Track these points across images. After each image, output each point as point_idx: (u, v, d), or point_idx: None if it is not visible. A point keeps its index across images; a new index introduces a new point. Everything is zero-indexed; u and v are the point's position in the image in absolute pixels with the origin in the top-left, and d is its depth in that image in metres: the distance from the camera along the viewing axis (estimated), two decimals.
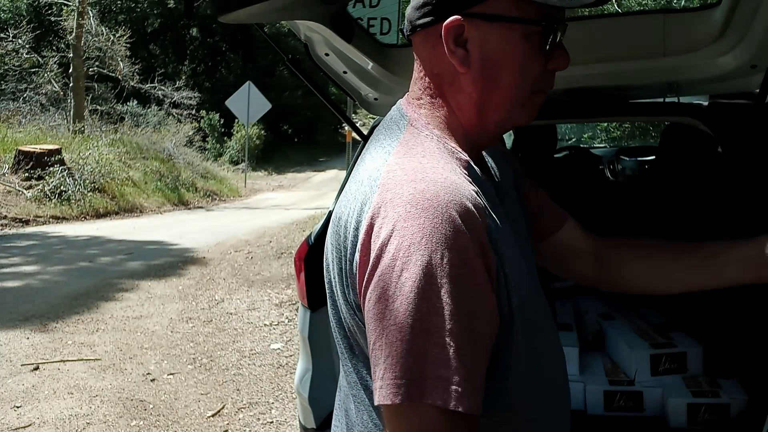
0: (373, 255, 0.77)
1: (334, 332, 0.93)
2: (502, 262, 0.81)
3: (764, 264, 0.99)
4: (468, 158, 0.87)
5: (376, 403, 0.76)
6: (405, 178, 0.80)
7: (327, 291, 0.93)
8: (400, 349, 0.73)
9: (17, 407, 3.61)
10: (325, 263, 0.93)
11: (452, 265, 0.74)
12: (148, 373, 4.16)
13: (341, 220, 0.87)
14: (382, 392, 0.74)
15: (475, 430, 0.75)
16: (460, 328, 0.73)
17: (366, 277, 0.78)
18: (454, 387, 0.72)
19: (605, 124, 10.59)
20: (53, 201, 11.02)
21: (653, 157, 3.76)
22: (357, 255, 0.80)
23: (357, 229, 0.81)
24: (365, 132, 2.49)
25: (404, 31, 0.93)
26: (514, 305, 0.82)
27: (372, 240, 0.78)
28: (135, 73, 19.42)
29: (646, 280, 1.12)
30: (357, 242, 0.81)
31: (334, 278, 0.89)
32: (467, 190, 0.79)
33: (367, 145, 0.94)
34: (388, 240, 0.76)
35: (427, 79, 0.91)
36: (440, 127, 0.89)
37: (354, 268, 0.81)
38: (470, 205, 0.77)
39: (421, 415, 0.73)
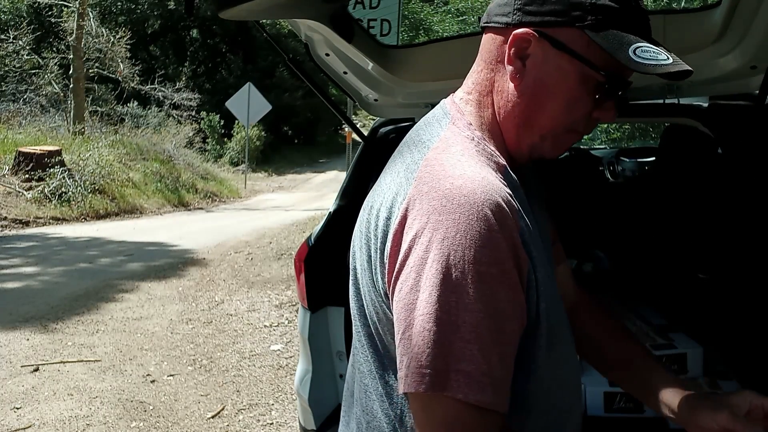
0: (405, 246, 0.79)
1: (354, 320, 0.93)
2: (534, 265, 0.82)
3: (684, 420, 0.96)
4: (505, 163, 0.87)
5: (400, 392, 0.77)
6: (443, 173, 0.80)
7: (350, 278, 0.94)
8: (426, 340, 0.74)
9: (17, 408, 3.61)
10: (351, 251, 0.95)
11: (483, 262, 0.75)
12: (148, 375, 4.16)
13: (373, 209, 0.88)
14: (407, 381, 0.76)
15: (500, 426, 0.76)
16: (487, 325, 0.75)
17: (397, 266, 0.79)
18: (476, 381, 0.73)
19: (605, 125, 10.59)
20: (53, 202, 11.02)
21: (653, 159, 3.76)
22: (388, 244, 0.81)
23: (389, 218, 0.83)
24: (365, 133, 2.49)
25: (480, 20, 0.94)
26: (541, 309, 0.83)
27: (405, 231, 0.79)
28: (135, 75, 19.41)
29: (587, 358, 1.14)
30: (389, 231, 0.82)
31: (361, 266, 0.90)
32: (503, 191, 0.80)
33: (404, 140, 0.95)
34: (422, 232, 0.77)
35: (483, 74, 0.91)
36: (482, 128, 0.90)
37: (385, 257, 0.82)
38: (504, 205, 0.78)
39: (443, 407, 0.74)
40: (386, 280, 0.83)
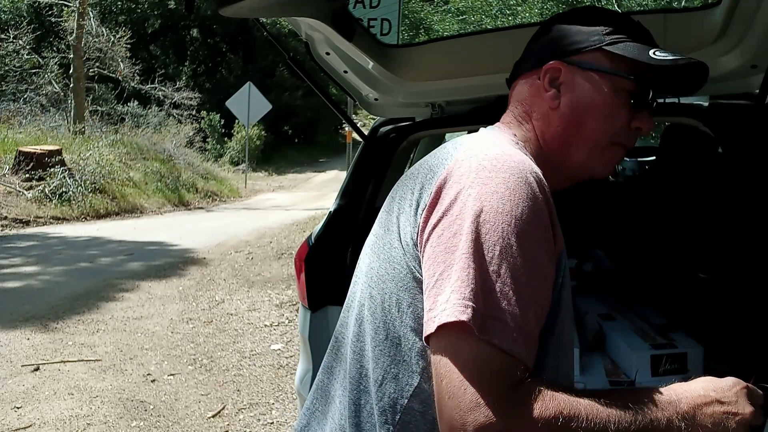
0: (447, 197, 0.81)
1: (359, 317, 0.93)
2: (564, 251, 0.86)
3: None
4: (540, 170, 0.90)
5: (438, 324, 0.76)
6: (486, 145, 0.87)
7: (362, 263, 0.95)
8: (470, 277, 0.75)
9: (18, 408, 3.61)
10: (365, 244, 0.97)
11: (530, 222, 0.78)
12: (149, 374, 4.16)
13: (408, 175, 0.93)
14: (446, 313, 0.75)
15: (521, 381, 0.74)
16: (527, 282, 0.77)
17: (436, 216, 0.81)
18: (509, 332, 0.74)
19: None
20: (54, 202, 11.02)
21: (653, 158, 3.76)
22: (426, 199, 0.84)
23: (424, 186, 0.86)
24: (366, 132, 2.49)
25: (507, 79, 1.05)
26: (563, 296, 0.85)
27: (447, 185, 0.82)
28: (135, 74, 19.42)
29: None
30: (425, 190, 0.85)
31: (377, 239, 0.92)
32: (541, 174, 0.85)
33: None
34: (469, 186, 0.80)
35: (519, 109, 1.00)
36: (523, 139, 0.97)
37: (419, 210, 0.85)
38: (545, 186, 0.84)
39: (474, 349, 0.74)
40: (419, 230, 0.84)
